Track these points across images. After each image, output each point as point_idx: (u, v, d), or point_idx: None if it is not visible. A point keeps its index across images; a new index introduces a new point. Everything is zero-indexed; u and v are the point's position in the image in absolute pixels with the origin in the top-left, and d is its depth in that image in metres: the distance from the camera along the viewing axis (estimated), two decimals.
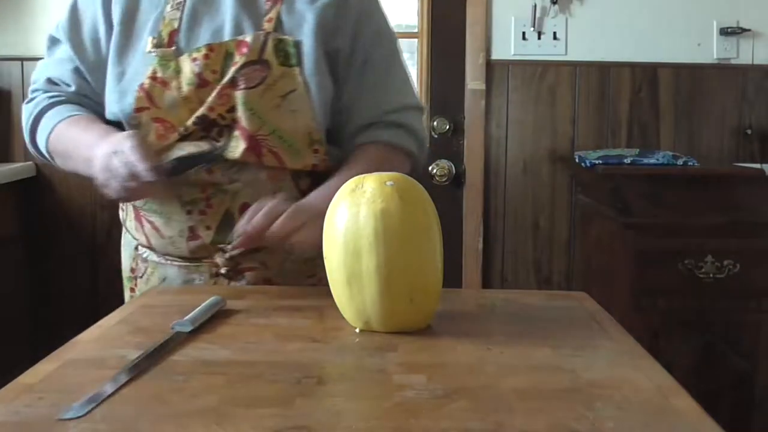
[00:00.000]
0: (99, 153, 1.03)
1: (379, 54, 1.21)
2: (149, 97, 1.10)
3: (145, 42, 1.13)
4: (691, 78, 2.57)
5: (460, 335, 0.82)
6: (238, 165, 1.10)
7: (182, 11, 1.13)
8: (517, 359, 0.75)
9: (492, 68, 2.51)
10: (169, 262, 1.16)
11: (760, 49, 2.55)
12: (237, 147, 1.09)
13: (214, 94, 1.09)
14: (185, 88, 1.10)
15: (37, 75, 1.24)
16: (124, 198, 1.06)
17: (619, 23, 2.52)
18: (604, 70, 2.53)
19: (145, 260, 1.19)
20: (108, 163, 1.01)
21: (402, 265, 0.81)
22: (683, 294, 2.04)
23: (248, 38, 1.10)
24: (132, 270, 1.22)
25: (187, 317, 0.85)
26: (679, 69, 2.56)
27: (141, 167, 0.98)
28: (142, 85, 1.10)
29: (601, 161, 2.19)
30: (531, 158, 2.55)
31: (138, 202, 1.15)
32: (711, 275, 2.03)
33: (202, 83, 1.10)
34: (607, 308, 0.96)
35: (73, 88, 1.19)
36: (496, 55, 2.51)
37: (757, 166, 2.27)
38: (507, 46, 2.51)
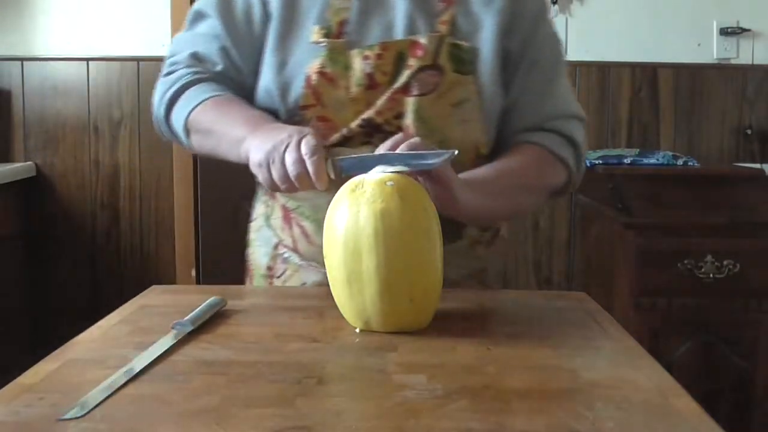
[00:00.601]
0: (258, 138, 0.95)
1: (546, 57, 1.13)
2: (316, 94, 1.03)
3: (309, 31, 1.05)
4: (691, 78, 2.57)
5: (460, 335, 0.82)
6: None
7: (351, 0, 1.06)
8: (517, 359, 0.75)
9: None
10: (313, 267, 1.10)
11: (760, 49, 2.55)
12: None
13: (384, 97, 1.02)
14: (354, 89, 1.03)
15: (178, 48, 1.14)
16: (281, 188, 0.93)
17: (619, 23, 2.52)
18: (604, 70, 2.53)
19: (285, 261, 1.14)
20: (272, 151, 0.92)
21: (402, 265, 0.80)
22: (683, 294, 2.04)
23: (423, 40, 1.03)
24: (269, 268, 1.17)
25: (187, 317, 0.85)
26: (679, 69, 2.56)
27: (311, 162, 0.89)
28: (308, 79, 1.03)
29: (601, 161, 2.19)
30: None
31: (291, 204, 1.10)
32: (711, 275, 2.03)
33: (372, 85, 1.03)
34: (607, 308, 0.96)
35: (219, 68, 1.10)
36: None
37: (757, 166, 2.27)
38: None
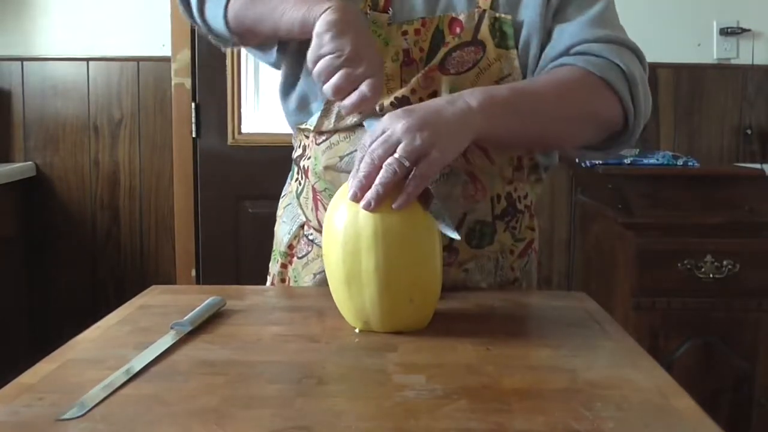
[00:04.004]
0: (346, 21, 0.88)
1: None
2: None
3: None
4: (691, 78, 2.57)
5: (460, 335, 0.82)
6: None
7: None
8: (517, 359, 0.75)
9: None
10: None
11: (760, 49, 2.55)
12: None
13: (418, 75, 0.98)
14: (389, 65, 0.99)
15: None
16: (317, 75, 0.88)
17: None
18: None
19: (310, 242, 1.10)
20: (347, 54, 0.86)
21: (401, 265, 0.80)
22: (683, 294, 2.05)
23: (462, 16, 0.99)
24: (290, 246, 1.13)
25: (187, 317, 0.85)
26: (679, 69, 2.56)
27: (369, 84, 0.86)
28: None
29: (601, 161, 2.19)
30: None
31: (319, 186, 1.05)
32: (711, 275, 2.03)
33: (408, 61, 0.99)
34: (607, 308, 0.96)
35: None
36: None
37: (757, 166, 2.27)
38: None
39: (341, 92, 0.88)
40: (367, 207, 0.79)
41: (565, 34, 0.99)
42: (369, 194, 0.79)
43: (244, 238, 2.67)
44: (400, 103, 0.97)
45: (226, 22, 1.02)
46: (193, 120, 2.66)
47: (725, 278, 2.03)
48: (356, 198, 0.80)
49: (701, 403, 0.64)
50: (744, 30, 2.52)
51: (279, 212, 1.20)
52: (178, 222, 2.68)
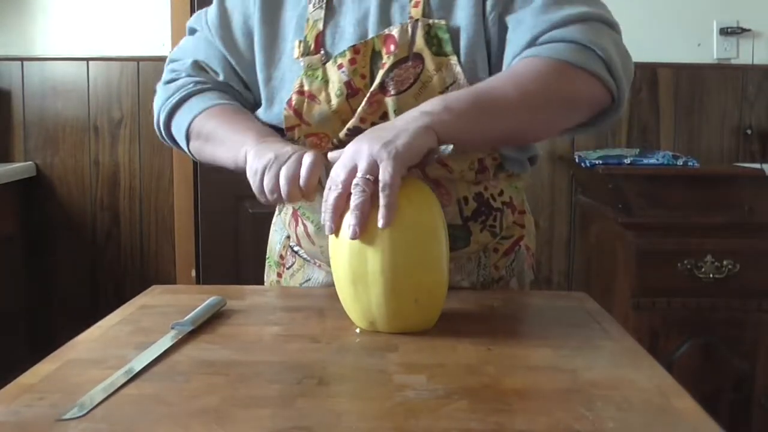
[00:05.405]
0: (262, 146, 0.93)
1: None
2: (298, 114, 1.01)
3: (292, 44, 1.04)
4: (691, 78, 2.57)
5: (461, 335, 0.82)
6: None
7: (324, 8, 1.02)
8: (517, 359, 0.75)
9: None
10: (317, 264, 1.12)
11: (760, 49, 2.55)
12: None
13: (363, 103, 0.98)
14: (334, 101, 0.99)
15: (180, 54, 1.14)
16: (268, 198, 0.91)
17: (619, 23, 2.52)
18: None
19: (295, 254, 1.15)
20: (273, 160, 0.89)
21: (407, 266, 0.80)
22: (683, 294, 2.05)
23: (394, 31, 0.97)
24: (281, 257, 1.18)
25: (187, 317, 0.85)
26: (679, 69, 2.56)
27: (307, 175, 0.86)
28: (289, 102, 1.01)
29: (601, 161, 2.19)
30: None
31: (296, 204, 1.08)
32: (711, 275, 2.03)
33: (352, 92, 0.99)
34: (607, 308, 0.96)
35: (221, 78, 1.09)
36: None
37: (757, 166, 2.27)
38: None
39: (294, 182, 0.87)
40: (353, 236, 0.79)
41: (523, 27, 0.95)
42: (351, 222, 0.79)
43: (244, 238, 2.67)
44: (353, 133, 0.97)
45: (194, 158, 1.11)
46: None
47: (725, 278, 2.03)
48: (332, 231, 0.82)
49: (701, 403, 0.64)
50: (744, 30, 2.52)
51: (274, 218, 1.23)
52: (178, 222, 2.68)
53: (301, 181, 0.87)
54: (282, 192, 0.88)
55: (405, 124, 0.84)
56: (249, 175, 0.93)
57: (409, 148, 0.81)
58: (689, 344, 2.06)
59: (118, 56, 2.61)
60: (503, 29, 0.97)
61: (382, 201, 0.78)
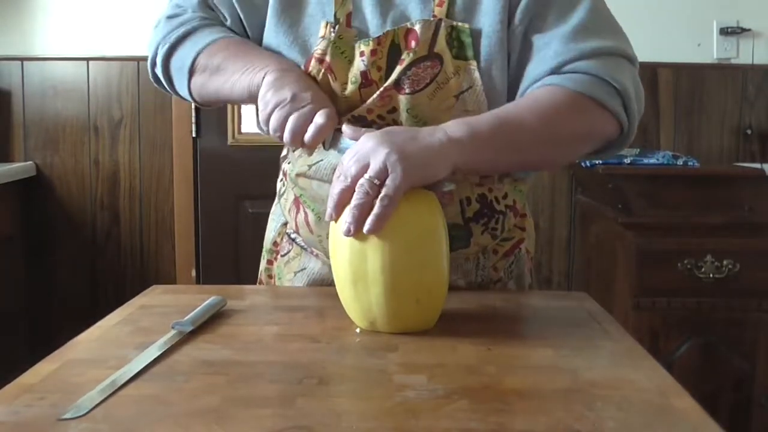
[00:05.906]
0: (286, 78, 0.92)
1: (556, 2, 0.97)
2: (314, 78, 0.98)
3: (312, 5, 1.01)
4: (691, 78, 2.57)
5: (461, 335, 0.82)
6: None
7: None
8: (517, 359, 0.75)
9: None
10: (314, 254, 1.09)
11: (760, 49, 2.55)
12: None
13: (375, 96, 0.96)
14: (349, 88, 0.97)
15: None
16: (269, 131, 0.91)
17: (619, 23, 2.52)
18: None
19: (292, 241, 1.13)
20: (290, 100, 0.89)
21: (408, 265, 0.80)
22: (683, 294, 2.05)
23: (417, 27, 0.95)
24: (275, 244, 1.16)
25: (187, 317, 0.85)
26: (679, 69, 2.56)
27: (315, 130, 0.87)
28: (306, 63, 0.98)
29: (601, 161, 2.19)
30: None
31: (297, 191, 1.06)
32: (711, 275, 2.03)
33: (366, 83, 0.96)
34: (607, 308, 0.96)
35: (228, 22, 1.05)
36: None
37: (757, 166, 2.27)
38: None
39: (299, 135, 0.89)
40: (347, 233, 0.80)
41: (550, 51, 0.96)
42: (348, 219, 0.80)
43: (244, 238, 2.67)
44: (356, 120, 0.97)
45: (192, 96, 1.06)
46: (193, 120, 2.66)
47: (725, 278, 2.03)
48: (332, 217, 0.83)
49: (701, 403, 0.64)
50: (744, 30, 2.53)
51: (273, 207, 1.22)
52: (178, 222, 2.68)
53: (306, 137, 0.88)
54: (284, 138, 0.89)
55: (430, 145, 0.84)
56: (259, 100, 0.92)
57: (423, 171, 0.82)
58: (689, 344, 2.06)
59: (118, 56, 2.61)
60: (527, 44, 0.98)
61: (376, 209, 0.79)
